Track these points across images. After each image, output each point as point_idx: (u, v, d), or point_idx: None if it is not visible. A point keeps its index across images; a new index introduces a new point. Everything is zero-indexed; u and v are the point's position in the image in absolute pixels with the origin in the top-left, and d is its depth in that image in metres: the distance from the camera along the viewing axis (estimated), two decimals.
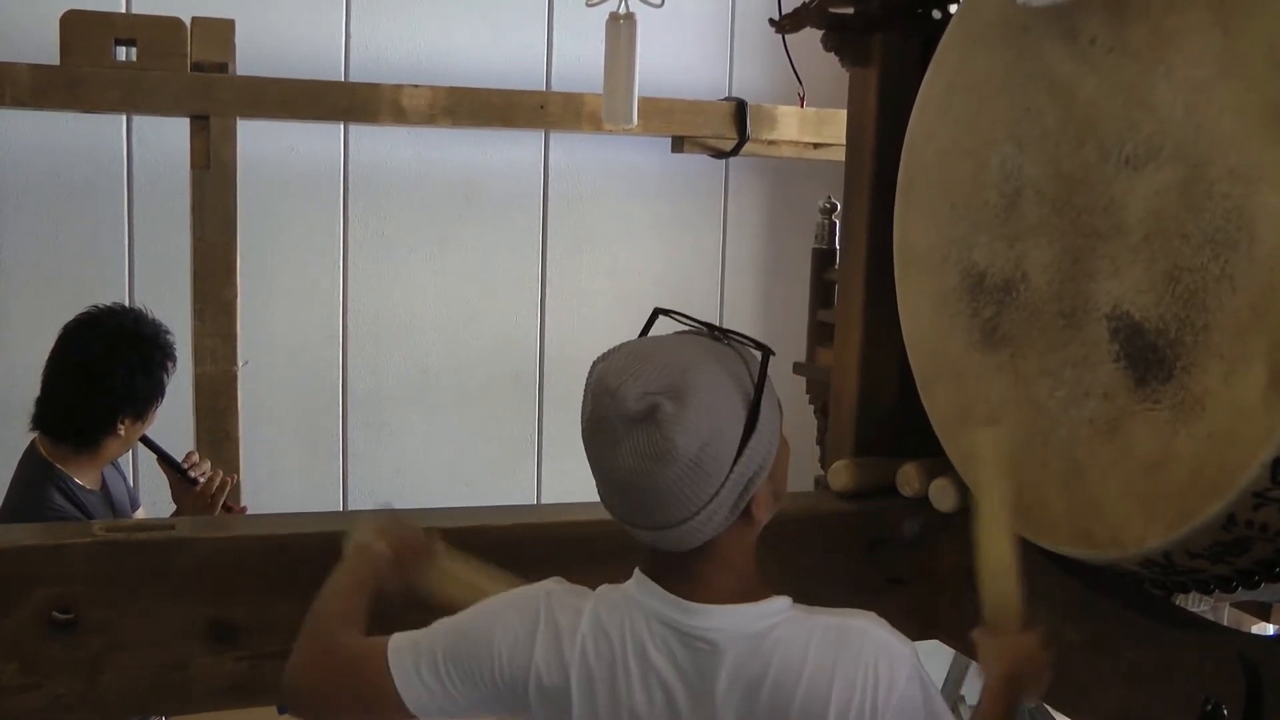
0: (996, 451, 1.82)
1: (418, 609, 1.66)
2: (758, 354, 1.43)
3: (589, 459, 1.42)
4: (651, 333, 1.48)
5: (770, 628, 1.42)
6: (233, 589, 2.03)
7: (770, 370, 1.42)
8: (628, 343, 1.43)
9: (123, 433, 2.78)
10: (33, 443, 2.82)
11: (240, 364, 3.47)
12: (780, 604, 1.45)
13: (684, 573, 1.44)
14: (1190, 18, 1.70)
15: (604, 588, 1.51)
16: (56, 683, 1.95)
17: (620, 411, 1.34)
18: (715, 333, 1.46)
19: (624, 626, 1.45)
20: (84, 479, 2.79)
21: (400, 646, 1.52)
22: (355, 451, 4.09)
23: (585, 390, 1.41)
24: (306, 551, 2.08)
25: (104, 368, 2.72)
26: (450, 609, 1.59)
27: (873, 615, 1.47)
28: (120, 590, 1.97)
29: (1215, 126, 1.66)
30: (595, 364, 1.41)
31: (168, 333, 2.87)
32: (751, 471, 1.39)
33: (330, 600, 1.65)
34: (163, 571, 2.00)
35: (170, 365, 2.84)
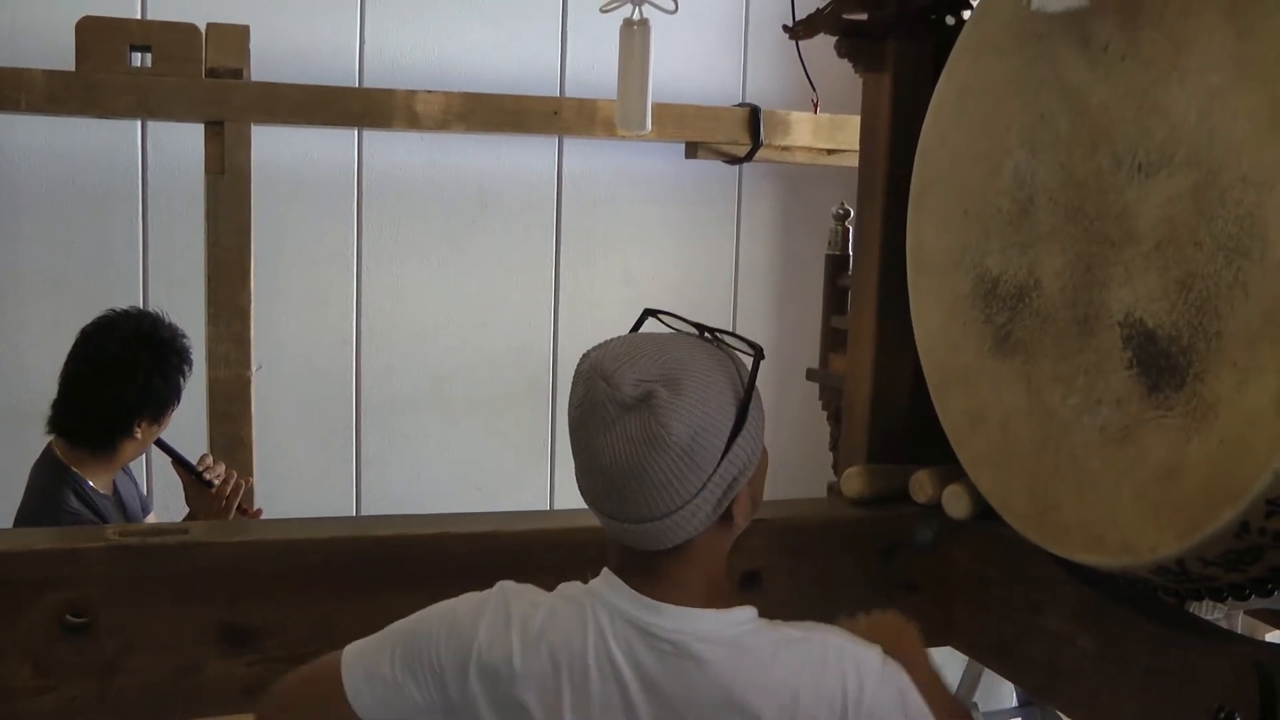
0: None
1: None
2: (748, 355, 1.45)
3: (574, 447, 1.42)
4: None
5: (737, 636, 1.42)
6: (246, 593, 2.03)
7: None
8: (621, 336, 1.45)
9: (139, 435, 2.80)
10: (49, 446, 2.84)
11: (254, 369, 3.48)
12: (747, 613, 1.45)
13: (655, 573, 1.43)
14: (1204, 22, 1.70)
15: (566, 584, 1.51)
16: (70, 686, 1.95)
17: (615, 396, 1.35)
18: (705, 333, 1.47)
19: (584, 619, 1.44)
20: (98, 483, 2.81)
21: (353, 652, 1.52)
22: (368, 456, 4.09)
23: (576, 377, 1.42)
24: (320, 556, 2.09)
25: (121, 370, 2.74)
26: None
27: (836, 628, 1.48)
28: (134, 594, 1.97)
29: (1228, 132, 1.66)
30: (588, 353, 1.42)
31: (184, 337, 2.89)
32: (737, 470, 1.40)
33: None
34: (176, 575, 2.00)
35: (187, 369, 2.86)
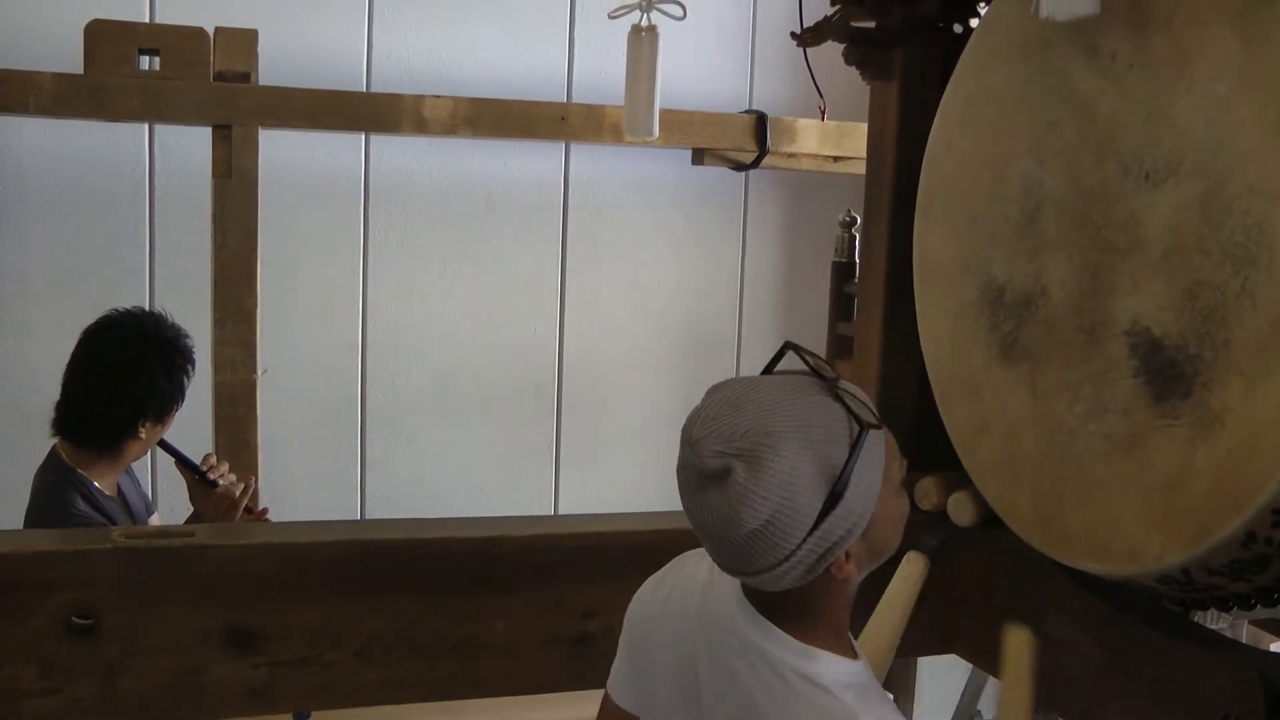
0: (1025, 654, 1.83)
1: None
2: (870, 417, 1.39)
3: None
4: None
5: (842, 686, 1.43)
6: (251, 596, 2.04)
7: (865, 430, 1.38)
8: (734, 383, 1.41)
9: (143, 435, 2.80)
10: (54, 448, 2.84)
11: (260, 372, 3.48)
12: (856, 670, 1.47)
13: (777, 604, 1.46)
14: (1211, 32, 1.70)
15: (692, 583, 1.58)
16: (75, 687, 1.96)
17: (697, 465, 1.34)
18: (829, 384, 1.41)
19: (726, 638, 1.50)
20: (103, 484, 2.81)
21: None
22: (373, 460, 4.09)
23: (683, 426, 1.41)
24: (325, 559, 2.09)
25: (125, 369, 2.74)
26: None
27: None
28: (139, 596, 1.98)
29: (1236, 141, 1.66)
30: (703, 400, 1.40)
31: (187, 336, 2.89)
32: (831, 541, 1.36)
33: None
34: (181, 578, 2.01)
35: (190, 368, 2.87)
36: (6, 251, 3.63)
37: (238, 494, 2.93)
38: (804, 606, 1.45)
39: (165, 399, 2.81)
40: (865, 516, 1.38)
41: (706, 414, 1.36)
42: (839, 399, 1.39)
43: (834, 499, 1.34)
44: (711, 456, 1.32)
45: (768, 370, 1.46)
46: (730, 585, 1.52)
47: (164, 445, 2.95)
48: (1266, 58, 1.63)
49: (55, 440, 2.85)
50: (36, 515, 2.76)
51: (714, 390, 1.41)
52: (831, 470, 1.34)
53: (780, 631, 1.46)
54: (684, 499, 1.39)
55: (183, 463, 2.98)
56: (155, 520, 3.10)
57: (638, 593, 1.67)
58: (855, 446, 1.35)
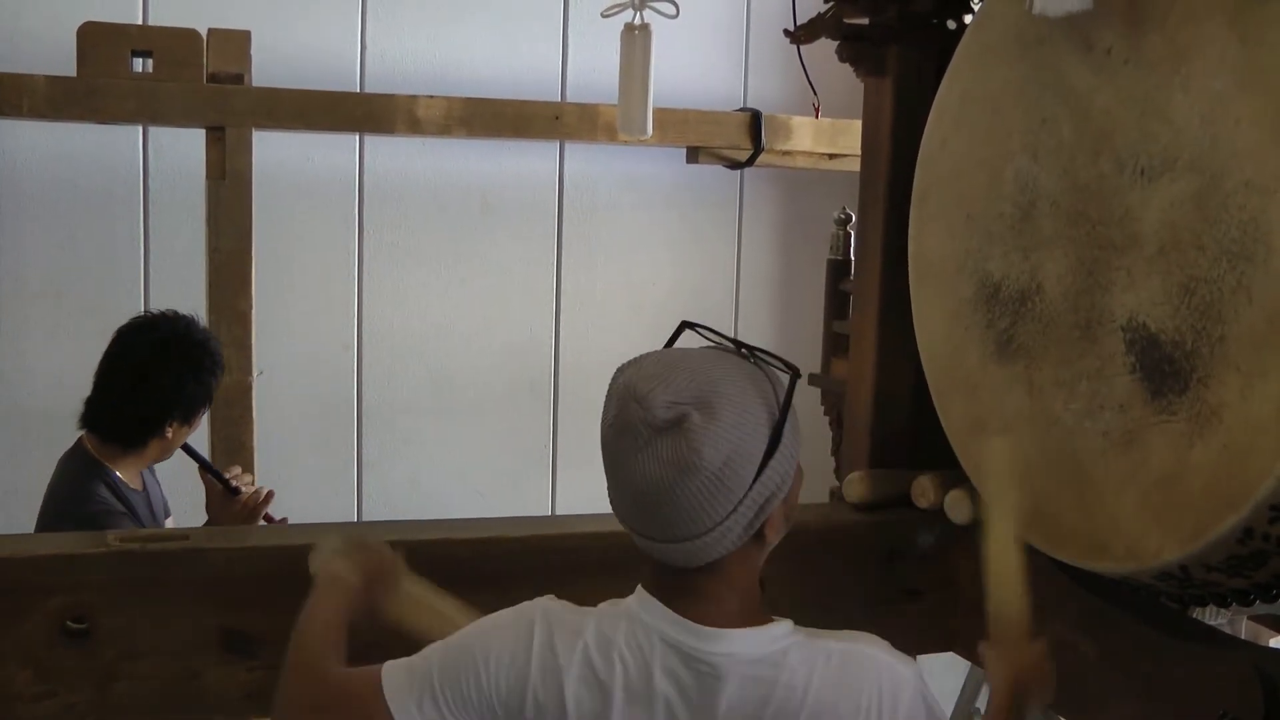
0: (1006, 461, 1.83)
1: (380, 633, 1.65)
2: (784, 374, 1.43)
3: (606, 465, 1.41)
4: (676, 346, 1.47)
5: (775, 653, 1.42)
6: (246, 599, 2.03)
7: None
8: (655, 351, 1.43)
9: (169, 435, 2.82)
10: (79, 440, 2.85)
11: (255, 374, 3.48)
12: (784, 628, 1.45)
13: (689, 590, 1.43)
14: (1207, 28, 1.70)
15: (604, 605, 1.50)
16: (70, 692, 1.95)
17: (647, 418, 1.34)
18: (742, 350, 1.45)
19: (626, 646, 1.43)
20: (128, 478, 2.83)
21: (395, 676, 1.48)
22: (369, 461, 4.09)
23: (609, 395, 1.40)
24: None
25: (155, 369, 2.76)
26: (418, 638, 1.57)
27: (874, 638, 1.49)
28: (134, 600, 1.97)
29: (1231, 138, 1.66)
30: (621, 369, 1.41)
31: (217, 340, 2.91)
32: (769, 491, 1.38)
33: (308, 632, 1.62)
34: (177, 581, 2.00)
35: (219, 372, 2.90)
36: (2, 253, 3.62)
37: (259, 501, 2.94)
38: (717, 585, 1.42)
39: (193, 401, 2.83)
40: (792, 468, 1.42)
41: (644, 373, 1.37)
42: (755, 359, 1.44)
43: (775, 442, 1.37)
44: (663, 408, 1.33)
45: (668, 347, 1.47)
46: (631, 602, 1.46)
47: (188, 450, 2.96)
48: (1262, 54, 1.63)
49: (81, 432, 2.85)
50: (57, 502, 2.77)
51: (633, 363, 1.41)
52: (771, 414, 1.38)
53: (687, 620, 1.42)
54: (623, 461, 1.36)
55: (206, 468, 3.00)
56: (170, 524, 3.10)
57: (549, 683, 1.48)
58: (789, 392, 1.41)
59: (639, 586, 1.47)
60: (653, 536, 1.40)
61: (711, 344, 1.48)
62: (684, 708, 1.41)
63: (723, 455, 1.33)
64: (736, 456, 1.34)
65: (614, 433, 1.38)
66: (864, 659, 1.44)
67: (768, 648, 1.42)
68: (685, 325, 1.50)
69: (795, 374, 1.42)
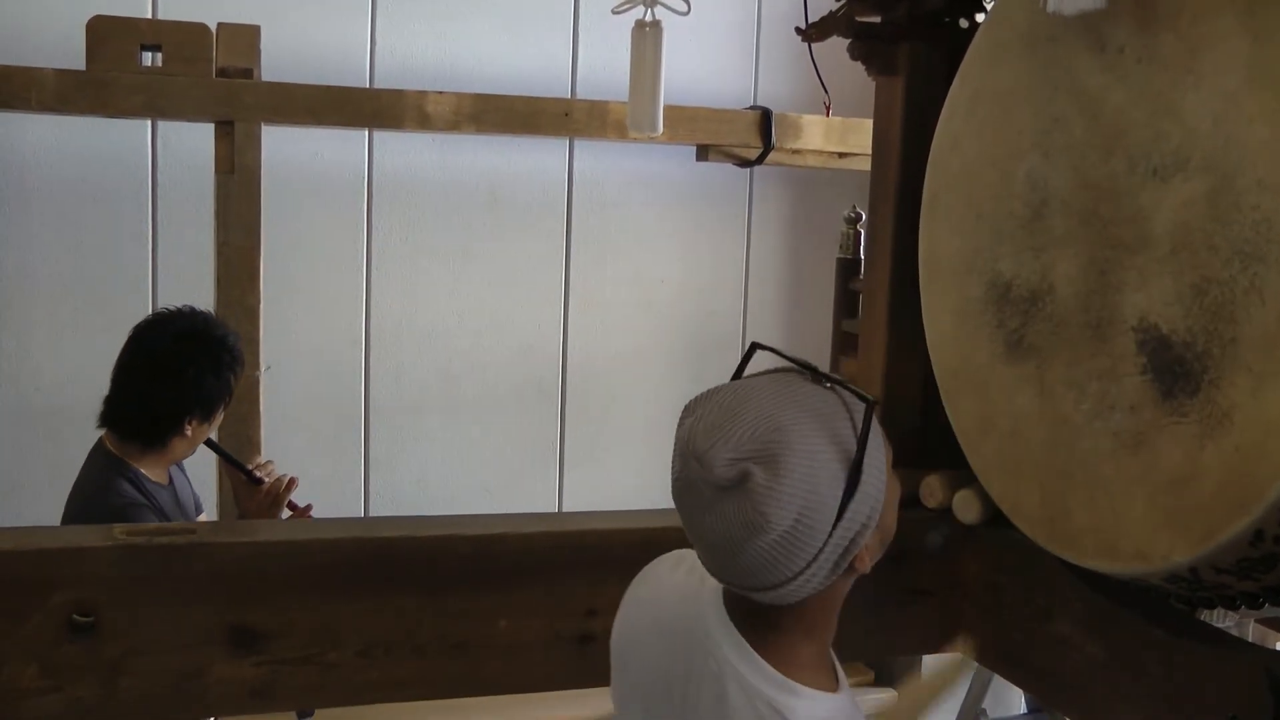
0: None
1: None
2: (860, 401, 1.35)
3: (679, 515, 1.36)
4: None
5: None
6: (253, 595, 2.03)
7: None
8: (719, 392, 1.35)
9: (189, 433, 2.81)
10: (100, 439, 2.85)
11: (263, 369, 3.48)
12: (838, 705, 1.43)
13: (764, 621, 1.41)
14: (1219, 26, 1.69)
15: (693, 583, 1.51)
16: (75, 686, 1.95)
17: (709, 478, 1.27)
18: (814, 375, 1.37)
19: (703, 653, 1.45)
20: (152, 474, 2.82)
21: None
22: (376, 457, 4.09)
23: (675, 446, 1.34)
24: (326, 557, 2.09)
25: (173, 366, 2.75)
26: None
27: None
28: (140, 594, 1.97)
29: (1244, 137, 1.64)
30: (684, 417, 1.35)
31: (237, 337, 2.90)
32: (854, 531, 1.33)
33: None
34: (183, 576, 2.00)
35: (239, 369, 2.88)
36: (9, 248, 3.63)
37: (281, 489, 2.94)
38: (794, 622, 1.40)
39: (212, 398, 2.82)
40: (880, 500, 1.35)
41: (703, 425, 1.30)
42: (828, 385, 1.36)
43: (853, 483, 1.30)
44: (724, 466, 1.26)
45: (738, 374, 1.42)
46: (712, 599, 1.46)
47: (211, 445, 2.96)
48: (1275, 53, 1.62)
49: (102, 432, 2.85)
50: (80, 502, 2.77)
51: (697, 403, 1.35)
52: (846, 454, 1.30)
53: (759, 658, 1.40)
54: (691, 521, 1.33)
55: (229, 462, 3.00)
56: (204, 518, 3.11)
57: (622, 604, 1.62)
58: (864, 425, 1.32)
59: (721, 597, 1.46)
60: (733, 584, 1.38)
61: (780, 369, 1.40)
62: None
63: (792, 513, 1.26)
64: (809, 510, 1.27)
65: (678, 490, 1.33)
66: None
67: (822, 715, 1.40)
68: (756, 346, 1.43)
69: (870, 404, 1.34)
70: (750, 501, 1.26)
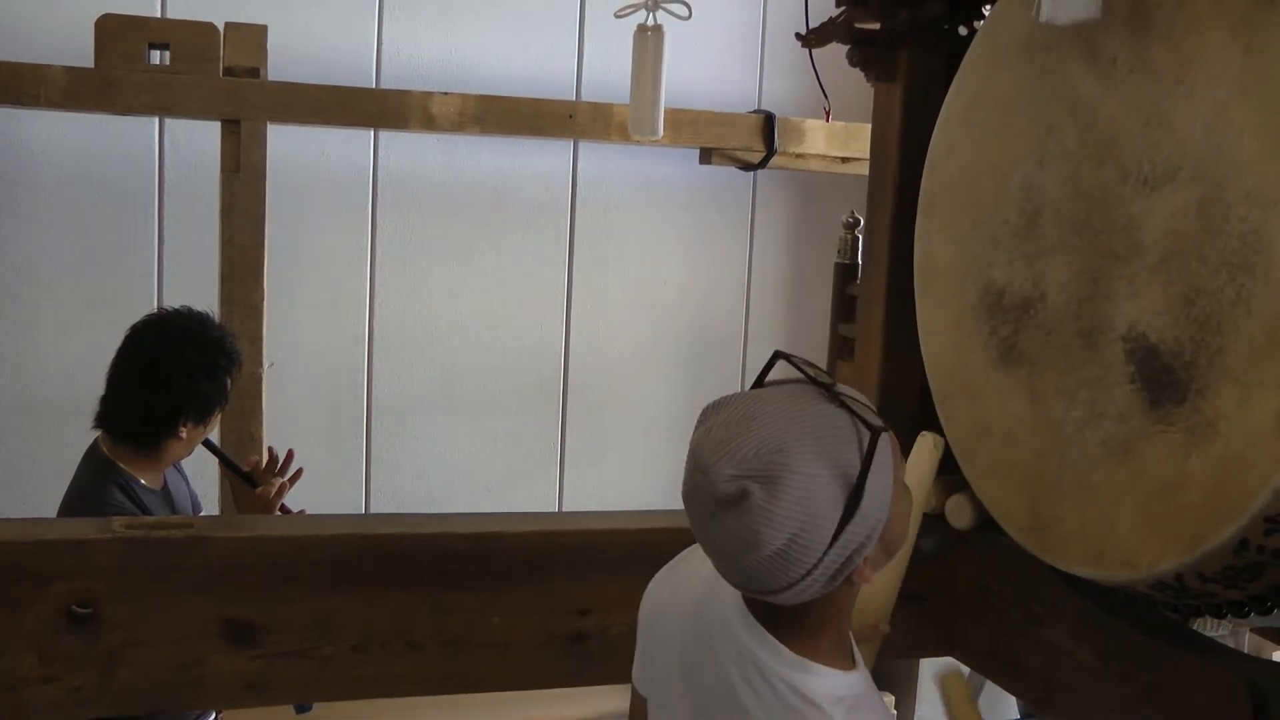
0: (960, 693, 1.98)
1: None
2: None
3: (688, 517, 1.40)
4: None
5: (856, 695, 1.45)
6: (251, 589, 2.05)
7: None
8: (733, 402, 1.38)
9: (184, 435, 2.78)
10: (95, 441, 2.83)
11: (266, 366, 3.50)
12: (862, 678, 1.49)
13: (781, 613, 1.45)
14: (1211, 38, 1.70)
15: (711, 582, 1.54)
16: (74, 676, 1.97)
17: (711, 491, 1.31)
18: (829, 390, 1.39)
19: (724, 645, 1.50)
20: (145, 478, 2.80)
21: None
22: (378, 455, 4.11)
23: (688, 452, 1.38)
24: (324, 553, 2.10)
25: (167, 368, 2.73)
26: None
27: None
28: (139, 587, 1.99)
29: (1234, 148, 1.66)
30: (699, 423, 1.38)
31: (234, 338, 2.88)
32: (850, 551, 1.35)
33: None
34: (181, 569, 2.02)
35: (235, 370, 2.85)
36: (16, 244, 3.65)
37: (272, 496, 2.93)
38: (808, 614, 1.44)
39: (207, 400, 2.78)
40: (881, 521, 1.37)
41: (713, 437, 1.33)
42: (842, 404, 1.37)
43: (851, 508, 1.32)
44: (725, 481, 1.30)
45: (759, 381, 1.44)
46: (731, 587, 1.50)
47: (209, 445, 2.95)
48: (1266, 65, 1.63)
49: (98, 433, 2.85)
50: (70, 506, 2.76)
51: (713, 410, 1.38)
52: (847, 479, 1.32)
53: (776, 642, 1.45)
54: (697, 526, 1.37)
55: (226, 464, 3.00)
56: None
57: (652, 580, 1.68)
58: (869, 453, 1.34)
59: (741, 596, 1.50)
60: (736, 585, 1.42)
61: (797, 381, 1.42)
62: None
63: (786, 534, 1.29)
64: (803, 532, 1.30)
65: (686, 494, 1.37)
66: None
67: (848, 691, 1.45)
68: (778, 355, 1.45)
69: (875, 432, 1.35)
70: (747, 519, 1.29)
